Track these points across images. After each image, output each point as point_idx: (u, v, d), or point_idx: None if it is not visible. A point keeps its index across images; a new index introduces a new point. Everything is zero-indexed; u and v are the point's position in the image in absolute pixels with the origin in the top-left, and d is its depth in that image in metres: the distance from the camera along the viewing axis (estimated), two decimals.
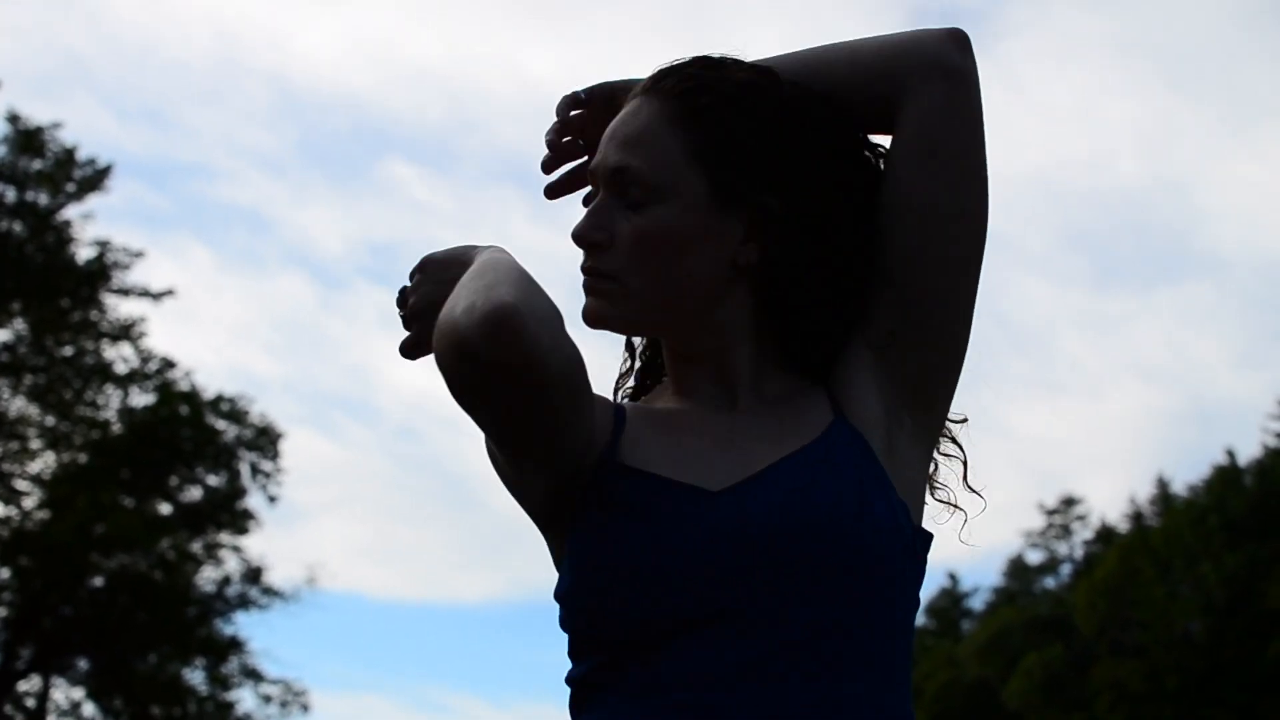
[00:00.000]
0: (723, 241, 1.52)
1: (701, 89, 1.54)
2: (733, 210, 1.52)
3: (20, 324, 22.31)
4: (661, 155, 1.52)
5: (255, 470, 24.60)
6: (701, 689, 1.39)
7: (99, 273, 22.52)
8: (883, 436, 1.55)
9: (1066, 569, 48.41)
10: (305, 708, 24.72)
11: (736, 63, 1.59)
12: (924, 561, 1.57)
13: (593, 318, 1.55)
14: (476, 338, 1.35)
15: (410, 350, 1.64)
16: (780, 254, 1.53)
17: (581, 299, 1.56)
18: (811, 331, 1.56)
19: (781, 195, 1.52)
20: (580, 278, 1.56)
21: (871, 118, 1.59)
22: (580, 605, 1.46)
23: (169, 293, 23.05)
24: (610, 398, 1.67)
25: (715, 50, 1.61)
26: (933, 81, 1.56)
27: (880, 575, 1.45)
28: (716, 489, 1.46)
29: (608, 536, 1.45)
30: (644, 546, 1.43)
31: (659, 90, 1.55)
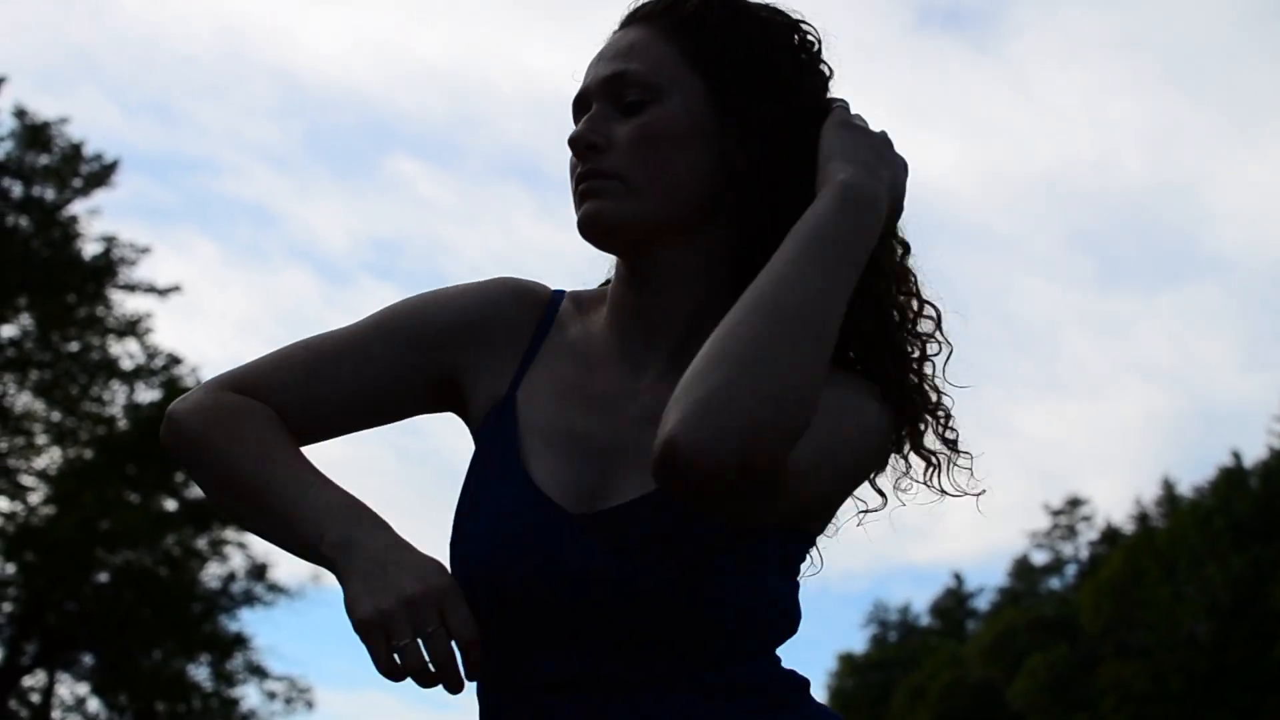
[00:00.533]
0: (721, 143, 1.49)
1: (681, 2, 1.53)
2: (729, 115, 1.50)
3: (26, 319, 22.33)
4: (658, 60, 1.51)
5: None
6: (536, 693, 1.41)
7: (105, 268, 22.53)
8: None
9: (1072, 570, 48.43)
10: (310, 704, 24.75)
11: None
12: (805, 547, 1.51)
13: (593, 219, 1.48)
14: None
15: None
16: (770, 164, 1.49)
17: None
18: None
19: (774, 107, 1.50)
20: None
21: None
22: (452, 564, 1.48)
23: (175, 288, 23.09)
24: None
25: None
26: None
27: (719, 631, 1.41)
28: (574, 511, 1.44)
29: (471, 510, 1.49)
30: (490, 545, 1.45)
31: (641, 17, 1.55)
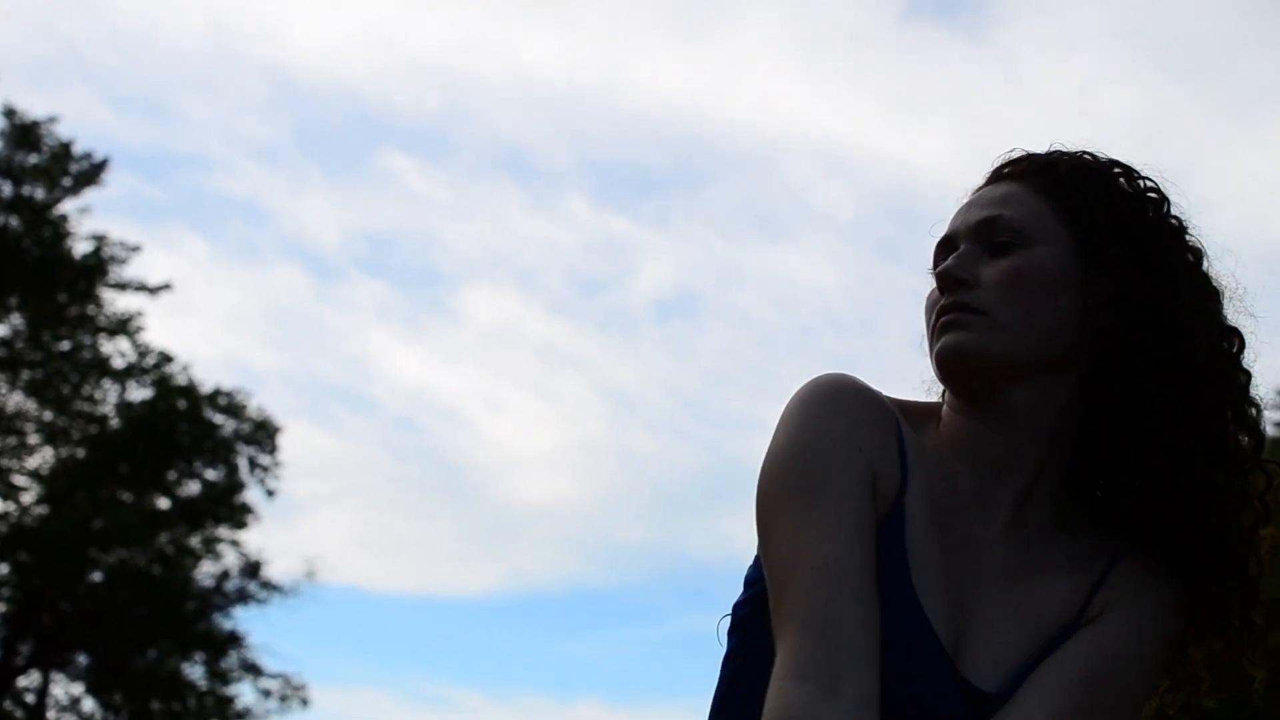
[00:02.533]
0: (1084, 299, 1.51)
1: (1055, 165, 1.59)
2: (1095, 273, 1.52)
3: (17, 319, 22.29)
4: (1030, 210, 1.55)
5: (253, 464, 24.60)
6: None
7: (96, 267, 22.49)
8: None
9: None
10: (305, 702, 24.73)
11: (1070, 152, 1.62)
12: None
13: (955, 350, 1.49)
14: None
15: None
16: (1129, 325, 1.50)
17: None
18: (1128, 459, 1.48)
19: (1139, 273, 1.52)
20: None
21: None
22: None
23: (166, 287, 23.04)
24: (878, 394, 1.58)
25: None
26: None
27: None
28: (987, 689, 1.44)
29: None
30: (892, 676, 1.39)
31: (1014, 173, 1.60)
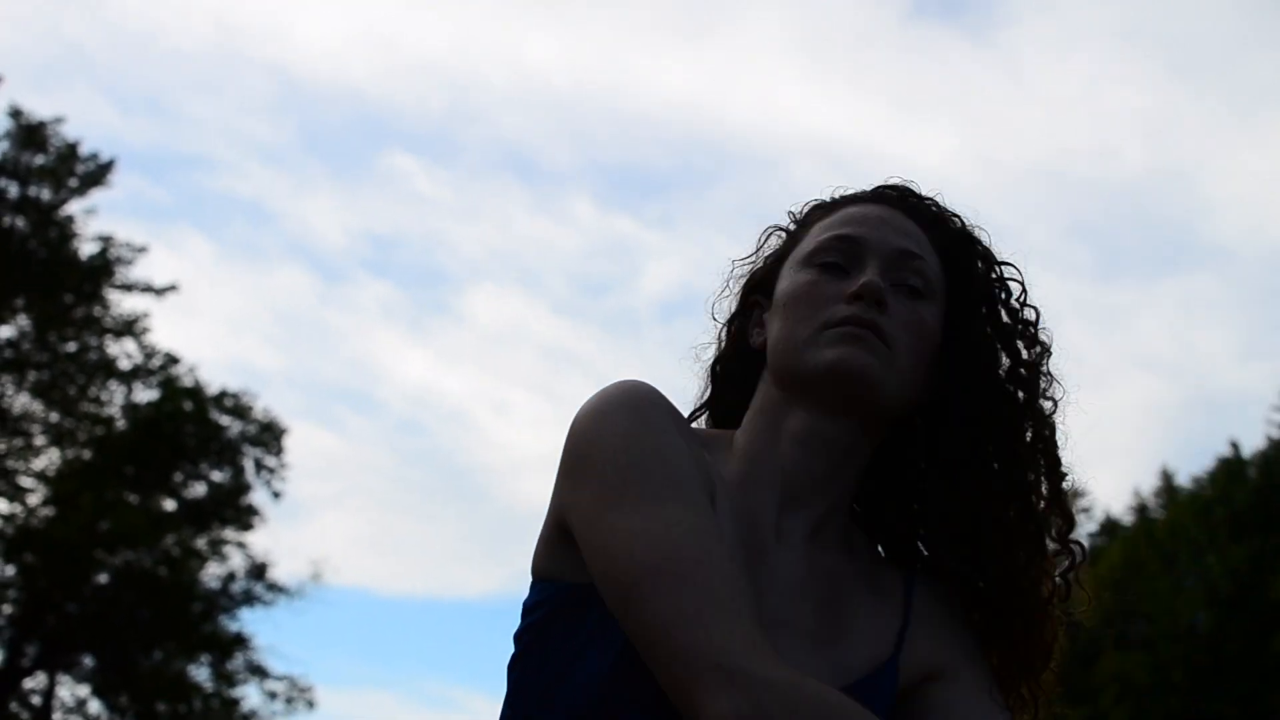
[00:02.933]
0: (939, 364, 1.57)
1: (945, 223, 1.64)
2: (953, 345, 1.58)
3: (24, 320, 22.30)
4: (934, 264, 1.59)
5: (259, 466, 24.61)
6: None
7: (102, 268, 22.51)
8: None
9: None
10: (310, 704, 24.75)
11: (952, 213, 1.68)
12: None
13: (862, 369, 1.49)
14: None
15: None
16: (961, 403, 1.56)
17: None
18: (946, 492, 1.53)
19: (992, 358, 1.60)
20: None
21: None
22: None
23: (172, 288, 23.06)
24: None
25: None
26: None
27: None
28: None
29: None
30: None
31: (907, 209, 1.64)
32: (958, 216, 1.65)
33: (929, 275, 1.56)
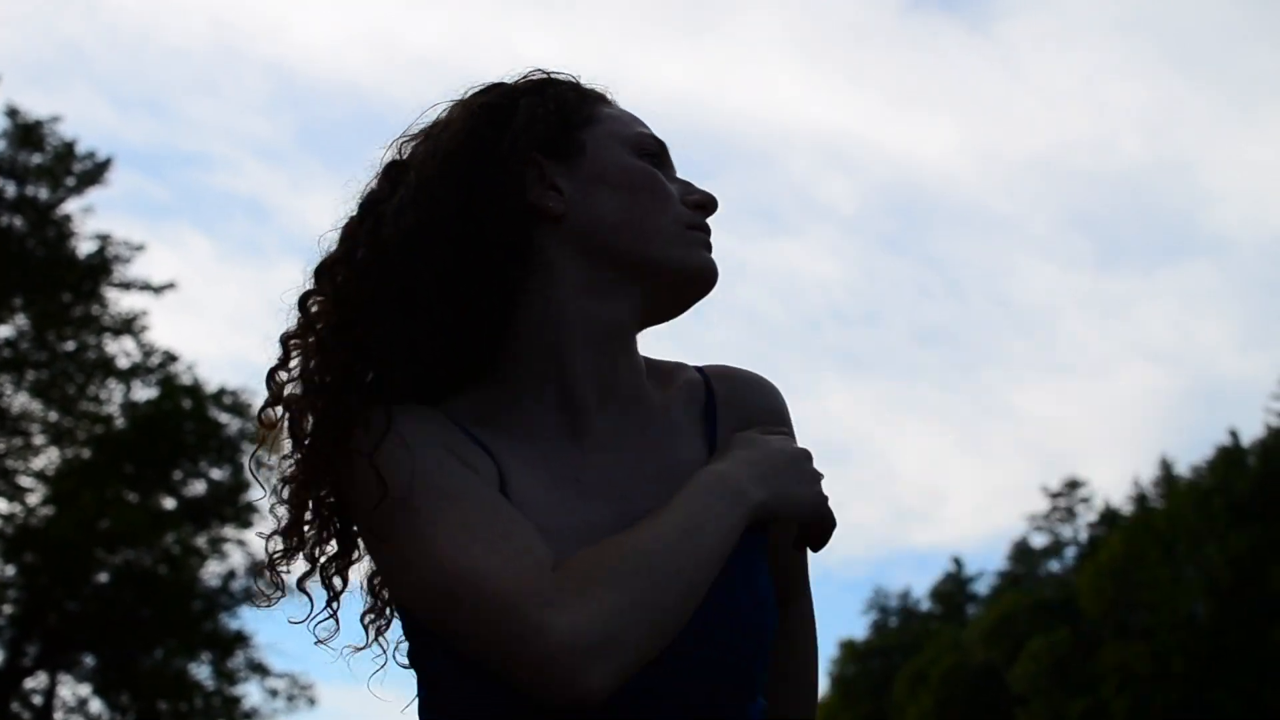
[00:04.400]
0: None
1: None
2: None
3: (22, 319, 22.28)
4: None
5: (259, 463, 24.60)
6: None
7: (100, 267, 22.49)
8: None
9: (1071, 552, 48.52)
10: (312, 701, 24.76)
11: None
12: None
13: (715, 278, 1.53)
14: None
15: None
16: None
17: None
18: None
19: None
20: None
21: None
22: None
23: (170, 286, 23.04)
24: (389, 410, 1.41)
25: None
26: None
27: (763, 653, 1.42)
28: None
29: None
30: None
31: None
32: None
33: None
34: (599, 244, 1.48)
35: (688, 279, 1.50)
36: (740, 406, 1.55)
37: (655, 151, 1.54)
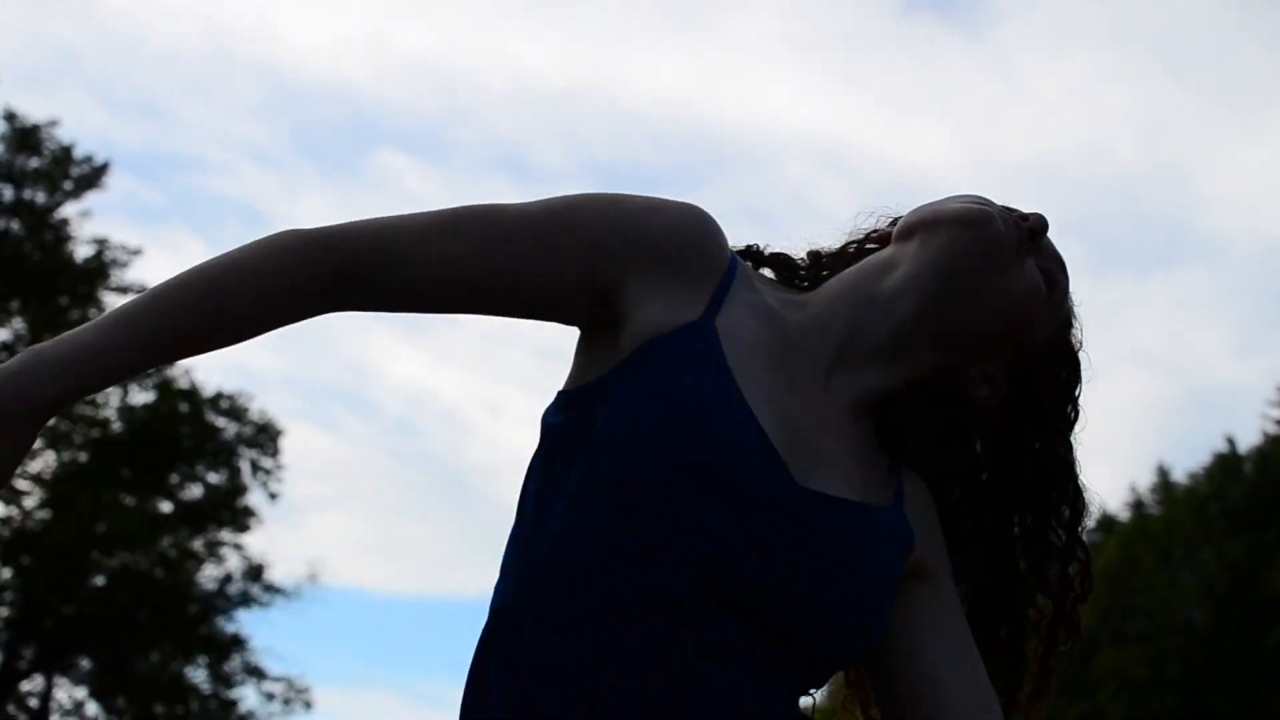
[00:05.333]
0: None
1: None
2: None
3: (19, 323, 22.29)
4: None
5: (255, 467, 24.60)
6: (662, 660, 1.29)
7: (97, 271, 22.51)
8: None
9: None
10: (308, 705, 24.74)
11: None
12: None
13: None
14: None
15: None
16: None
17: None
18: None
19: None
20: None
21: None
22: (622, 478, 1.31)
23: None
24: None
25: None
26: None
27: (843, 655, 1.40)
28: (800, 482, 1.35)
29: (672, 425, 1.31)
30: (705, 482, 1.30)
31: None
32: None
33: None
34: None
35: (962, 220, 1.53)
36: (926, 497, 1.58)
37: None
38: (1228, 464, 35.39)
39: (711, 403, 1.33)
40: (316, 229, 1.41)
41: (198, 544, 24.40)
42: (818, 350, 1.46)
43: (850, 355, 1.47)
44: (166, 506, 24.21)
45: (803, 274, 1.63)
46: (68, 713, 23.13)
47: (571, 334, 1.51)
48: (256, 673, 24.60)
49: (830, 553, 1.34)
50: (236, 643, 24.40)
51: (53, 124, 22.57)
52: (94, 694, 23.15)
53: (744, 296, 1.44)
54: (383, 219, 1.43)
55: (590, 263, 1.42)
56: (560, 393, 1.45)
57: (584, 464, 1.33)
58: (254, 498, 24.70)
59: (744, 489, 1.31)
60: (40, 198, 22.45)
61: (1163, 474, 41.33)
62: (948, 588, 1.50)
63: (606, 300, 1.42)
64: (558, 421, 1.42)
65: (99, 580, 22.81)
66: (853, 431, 1.46)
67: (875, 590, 1.37)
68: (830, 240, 1.66)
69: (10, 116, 22.33)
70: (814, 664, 1.38)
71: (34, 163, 22.38)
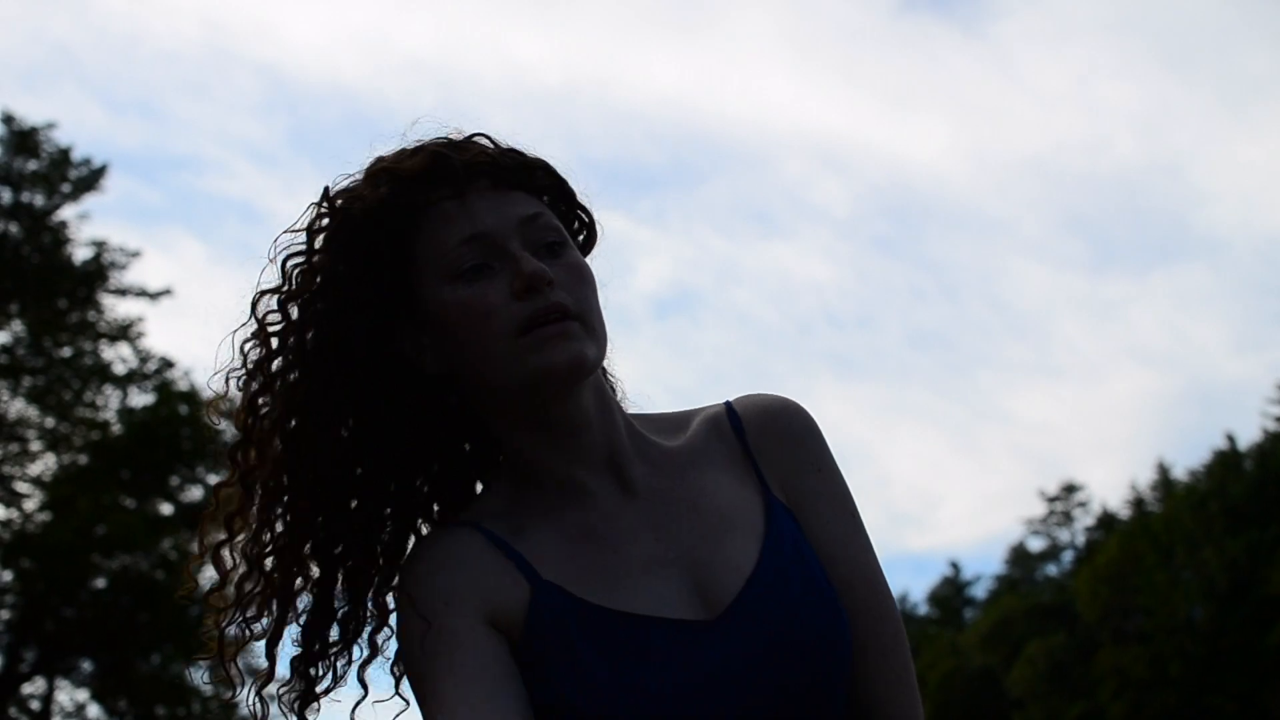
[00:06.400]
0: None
1: (532, 168, 1.57)
2: None
3: (18, 326, 22.28)
4: (548, 211, 1.54)
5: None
6: None
7: (96, 273, 22.49)
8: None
9: (1068, 556, 48.50)
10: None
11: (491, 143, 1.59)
12: None
13: (581, 364, 1.45)
14: None
15: None
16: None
17: None
18: None
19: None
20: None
21: None
22: None
23: (166, 292, 23.04)
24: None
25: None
26: None
27: (846, 665, 1.47)
28: (708, 617, 1.44)
29: (601, 683, 1.40)
30: (652, 692, 1.39)
31: (494, 179, 1.54)
32: (539, 161, 1.59)
33: (554, 222, 1.52)
34: (486, 391, 1.50)
35: (542, 384, 1.46)
36: (774, 430, 1.58)
37: (471, 263, 1.48)
38: (1228, 461, 35.40)
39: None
40: None
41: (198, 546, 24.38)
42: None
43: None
44: (167, 508, 24.18)
45: None
46: (69, 715, 23.12)
47: None
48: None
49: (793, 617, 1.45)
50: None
51: (51, 126, 22.59)
52: (95, 696, 23.14)
53: (520, 533, 1.51)
54: None
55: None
56: None
57: None
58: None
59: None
60: (39, 200, 22.44)
61: (1163, 471, 41.36)
62: (816, 489, 1.56)
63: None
64: None
65: (100, 582, 22.79)
66: (672, 475, 1.55)
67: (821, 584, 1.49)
68: None
69: (8, 119, 22.33)
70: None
71: (32, 165, 22.37)
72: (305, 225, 1.54)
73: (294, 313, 1.52)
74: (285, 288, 1.53)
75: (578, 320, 1.45)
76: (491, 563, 1.47)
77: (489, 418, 1.53)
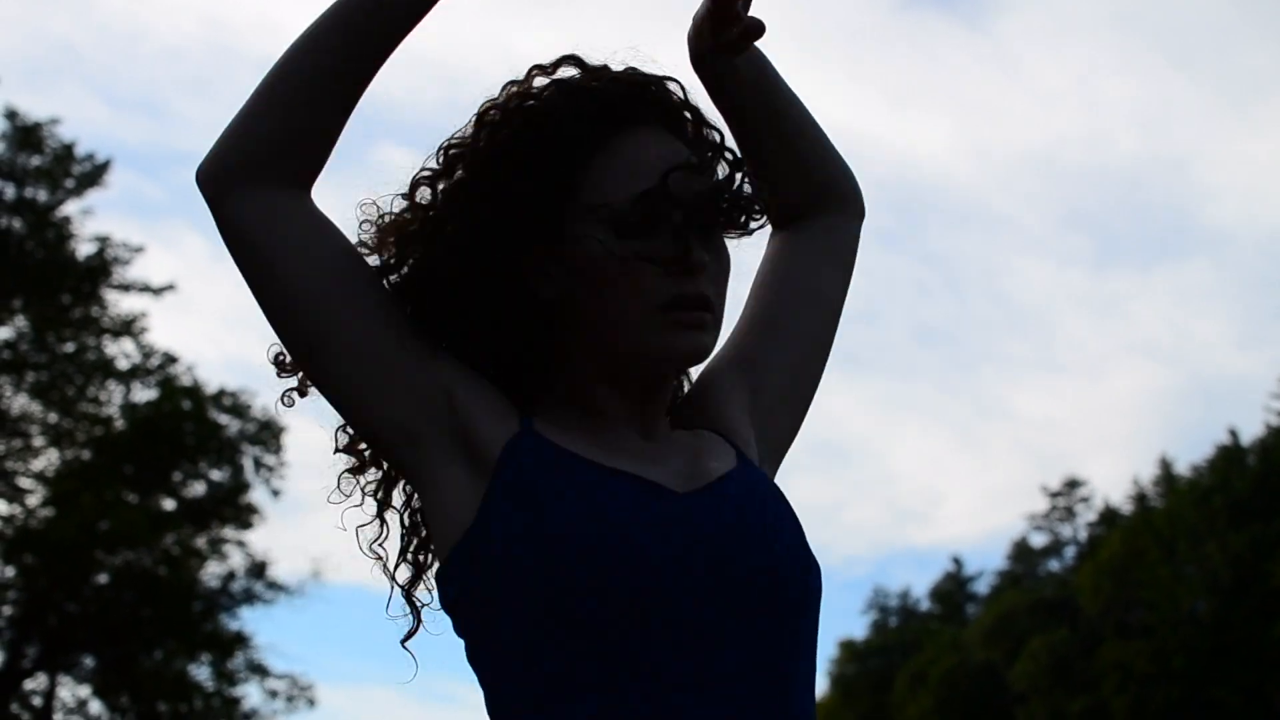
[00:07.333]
0: None
1: (705, 138, 1.59)
2: None
3: (21, 321, 22.29)
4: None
5: (258, 464, 24.58)
6: (670, 692, 1.36)
7: (99, 268, 22.49)
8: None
9: (1071, 551, 48.49)
10: (312, 702, 24.74)
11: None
12: None
13: (701, 357, 1.52)
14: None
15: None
16: None
17: None
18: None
19: None
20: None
21: (789, 188, 1.70)
22: (546, 578, 1.37)
23: (170, 288, 23.05)
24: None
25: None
26: (857, 218, 1.79)
27: (815, 598, 1.49)
28: (681, 490, 1.46)
29: (578, 515, 1.39)
30: (625, 534, 1.39)
31: (676, 126, 1.56)
32: (714, 127, 1.60)
33: (730, 206, 1.52)
34: (593, 342, 1.51)
35: (660, 365, 1.50)
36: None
37: (636, 218, 1.47)
38: (1231, 456, 35.40)
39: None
40: None
41: (201, 541, 24.39)
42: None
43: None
44: (169, 504, 24.20)
45: None
46: (71, 711, 23.14)
47: None
48: (260, 670, 24.59)
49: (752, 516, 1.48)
50: (240, 640, 24.39)
51: (54, 122, 22.59)
52: (97, 692, 23.16)
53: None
54: None
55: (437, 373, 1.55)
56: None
57: (508, 618, 1.41)
58: (257, 495, 24.67)
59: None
60: (42, 196, 22.45)
61: (1166, 467, 41.32)
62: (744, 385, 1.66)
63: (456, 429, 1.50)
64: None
65: (102, 578, 22.81)
66: (678, 442, 1.58)
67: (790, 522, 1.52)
68: None
69: (11, 115, 22.33)
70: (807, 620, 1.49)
71: (35, 161, 22.38)
72: (504, 102, 1.58)
73: (458, 171, 1.58)
74: (464, 146, 1.59)
75: (712, 314, 1.49)
76: (500, 397, 1.52)
77: (573, 353, 1.53)
